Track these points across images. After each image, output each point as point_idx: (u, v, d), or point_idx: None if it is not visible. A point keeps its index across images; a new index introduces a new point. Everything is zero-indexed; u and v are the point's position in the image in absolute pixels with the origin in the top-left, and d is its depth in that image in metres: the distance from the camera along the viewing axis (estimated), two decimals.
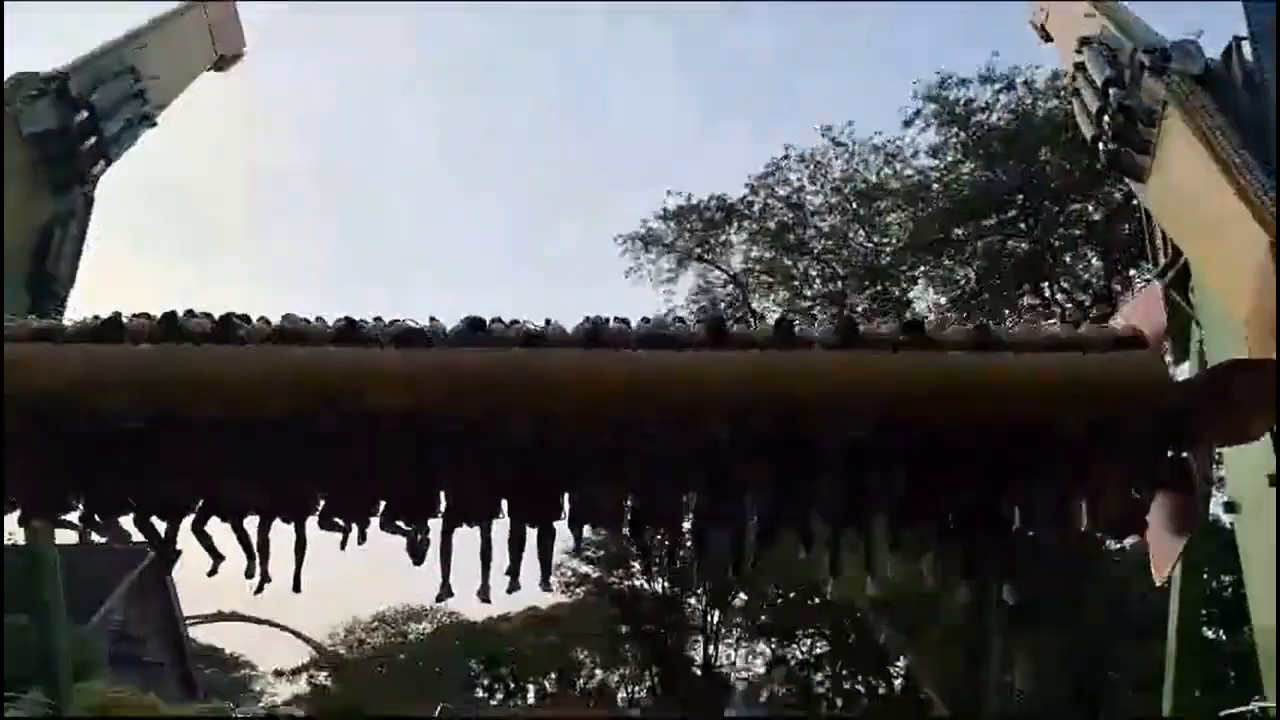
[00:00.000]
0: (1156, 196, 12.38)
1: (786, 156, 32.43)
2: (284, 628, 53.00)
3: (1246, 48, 11.44)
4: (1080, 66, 13.21)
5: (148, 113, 14.38)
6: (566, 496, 8.05)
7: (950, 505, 7.90)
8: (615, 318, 8.25)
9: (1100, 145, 12.71)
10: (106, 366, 7.66)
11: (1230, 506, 12.01)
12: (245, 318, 8.30)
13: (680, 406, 7.43)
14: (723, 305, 34.43)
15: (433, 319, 8.26)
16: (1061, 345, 7.88)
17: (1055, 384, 7.46)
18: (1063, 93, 24.60)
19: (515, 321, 8.17)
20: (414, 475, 7.92)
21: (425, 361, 7.71)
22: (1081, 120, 13.26)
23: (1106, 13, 12.80)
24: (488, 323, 8.04)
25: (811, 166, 32.38)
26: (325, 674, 33.75)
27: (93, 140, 13.77)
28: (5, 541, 23.71)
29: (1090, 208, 29.26)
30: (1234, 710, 12.94)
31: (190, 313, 8.21)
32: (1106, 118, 12.38)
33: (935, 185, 30.78)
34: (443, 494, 8.05)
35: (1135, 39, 11.88)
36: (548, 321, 8.17)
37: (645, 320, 8.39)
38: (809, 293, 33.71)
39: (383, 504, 8.04)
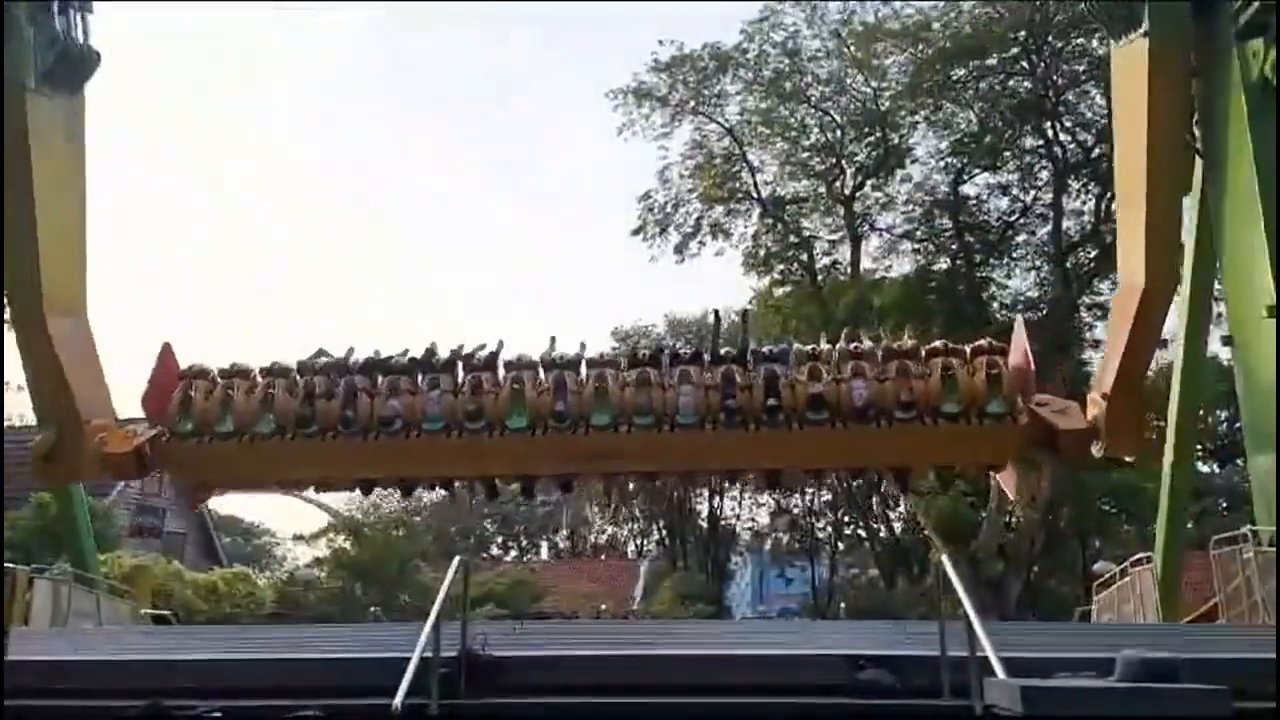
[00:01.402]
0: (1116, 65, 12.68)
1: None
2: (300, 495, 54.32)
3: None
4: None
5: None
6: None
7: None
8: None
9: None
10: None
11: (1228, 340, 12.12)
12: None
13: None
14: (718, 160, 33.84)
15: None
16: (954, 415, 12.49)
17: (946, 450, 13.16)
18: None
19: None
20: None
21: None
22: None
23: None
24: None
25: (808, 9, 31.27)
26: (344, 537, 34.67)
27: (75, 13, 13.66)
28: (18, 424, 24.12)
29: (1094, 43, 28.32)
30: (1225, 535, 13.35)
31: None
32: None
33: (936, 25, 29.77)
34: None
35: None
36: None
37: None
38: (806, 143, 33.04)
39: None
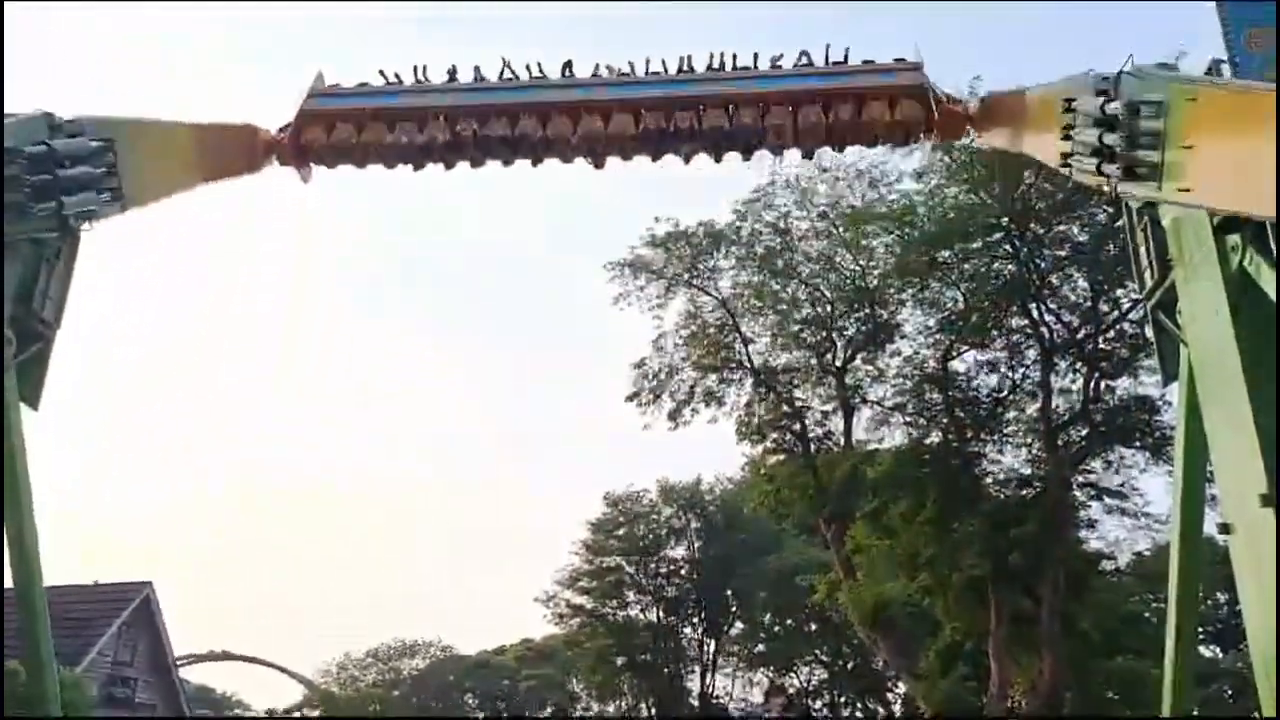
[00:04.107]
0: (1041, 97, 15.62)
1: (773, 182, 32.70)
2: (275, 666, 52.53)
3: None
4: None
5: None
6: None
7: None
8: None
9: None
10: None
11: (1224, 528, 12.07)
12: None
13: None
14: (712, 330, 34.55)
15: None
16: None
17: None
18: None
19: None
20: None
21: None
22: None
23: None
24: None
25: (798, 192, 32.64)
26: (319, 713, 33.23)
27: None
28: None
29: (1075, 229, 29.45)
30: None
31: None
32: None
33: (920, 209, 30.97)
34: None
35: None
36: None
37: None
38: (798, 316, 33.82)
39: None
